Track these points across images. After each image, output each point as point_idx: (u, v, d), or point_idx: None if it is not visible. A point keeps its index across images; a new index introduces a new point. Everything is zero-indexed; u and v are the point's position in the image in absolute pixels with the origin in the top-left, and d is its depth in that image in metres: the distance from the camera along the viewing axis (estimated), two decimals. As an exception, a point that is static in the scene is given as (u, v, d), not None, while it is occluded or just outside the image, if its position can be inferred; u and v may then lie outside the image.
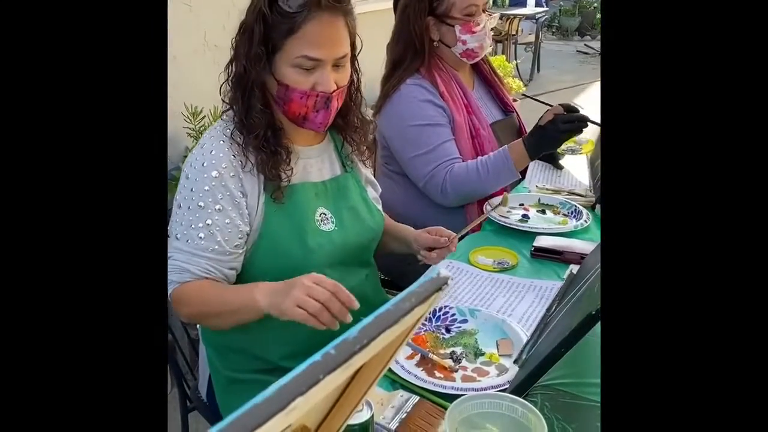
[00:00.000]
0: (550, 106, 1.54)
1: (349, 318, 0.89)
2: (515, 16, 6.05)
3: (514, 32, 6.09)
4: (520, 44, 6.45)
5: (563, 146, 1.81)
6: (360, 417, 0.74)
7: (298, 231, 1.07)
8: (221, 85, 1.10)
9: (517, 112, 1.82)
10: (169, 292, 1.04)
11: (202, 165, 1.03)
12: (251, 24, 1.01)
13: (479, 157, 1.55)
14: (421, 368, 1.00)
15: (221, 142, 1.05)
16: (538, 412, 0.74)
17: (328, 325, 0.89)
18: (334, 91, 1.04)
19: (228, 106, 1.08)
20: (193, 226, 1.03)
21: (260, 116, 1.04)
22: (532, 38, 6.43)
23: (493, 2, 6.52)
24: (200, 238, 1.03)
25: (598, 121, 1.49)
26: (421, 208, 1.61)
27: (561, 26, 9.34)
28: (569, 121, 1.45)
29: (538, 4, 6.33)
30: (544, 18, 6.76)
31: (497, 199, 1.60)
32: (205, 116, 2.34)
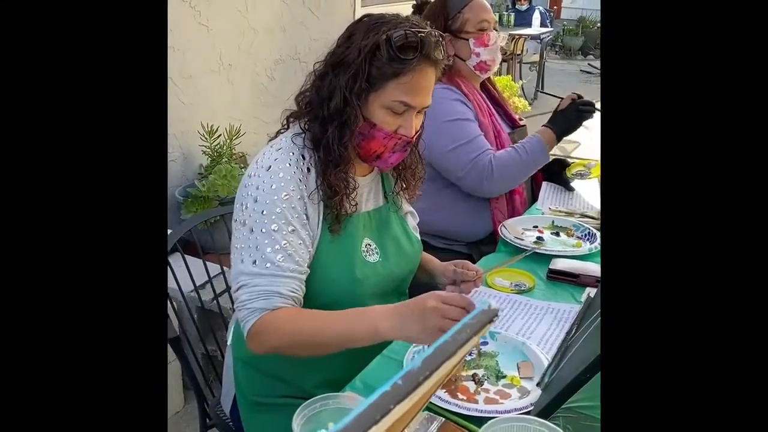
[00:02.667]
0: (561, 98, 1.73)
1: None
2: (520, 36, 6.13)
3: (519, 52, 6.15)
4: (524, 63, 6.52)
5: (572, 171, 1.85)
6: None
7: (347, 261, 1.09)
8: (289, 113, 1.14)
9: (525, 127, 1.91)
10: (250, 323, 1.00)
11: (272, 188, 1.03)
12: (357, 60, 1.03)
13: (514, 145, 1.69)
14: (444, 390, 1.02)
15: (288, 165, 1.05)
16: (565, 435, 0.76)
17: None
18: (413, 136, 1.08)
19: (303, 131, 1.09)
20: (269, 249, 1.02)
21: (344, 150, 1.06)
22: (536, 58, 6.49)
23: (499, 22, 6.59)
24: (280, 260, 1.02)
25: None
26: (442, 216, 1.70)
27: (564, 46, 9.42)
28: (585, 104, 1.66)
29: (542, 24, 6.40)
30: (548, 38, 6.83)
31: (512, 222, 1.63)
32: (220, 135, 2.37)
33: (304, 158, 1.07)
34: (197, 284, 1.59)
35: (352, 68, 1.03)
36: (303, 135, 1.09)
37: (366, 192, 1.17)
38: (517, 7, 6.70)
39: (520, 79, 6.15)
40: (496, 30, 1.73)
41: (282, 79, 2.88)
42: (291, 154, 1.06)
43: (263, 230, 1.02)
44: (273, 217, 1.02)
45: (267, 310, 1.00)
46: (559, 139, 1.67)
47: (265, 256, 1.02)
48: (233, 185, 2.21)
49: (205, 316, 1.80)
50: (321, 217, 1.08)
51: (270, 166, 1.05)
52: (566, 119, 1.67)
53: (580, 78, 7.97)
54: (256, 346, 1.02)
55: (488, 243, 1.70)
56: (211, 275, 1.65)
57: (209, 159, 2.37)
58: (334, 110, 1.05)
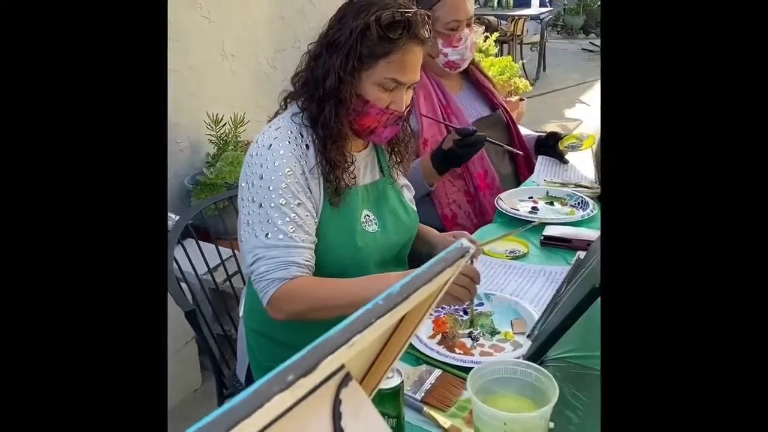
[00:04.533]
0: (452, 127, 1.59)
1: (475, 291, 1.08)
2: (520, 16, 6.14)
3: (519, 33, 6.17)
4: (525, 44, 6.53)
5: (565, 143, 1.89)
6: (391, 383, 0.84)
7: (349, 231, 1.16)
8: (288, 93, 1.20)
9: (504, 108, 1.88)
10: (270, 292, 1.07)
11: (275, 164, 1.10)
12: (348, 41, 1.09)
13: None
14: (442, 346, 1.09)
15: (288, 142, 1.12)
16: (550, 375, 0.82)
17: (464, 301, 1.08)
18: (404, 110, 1.15)
19: (301, 110, 1.15)
20: (280, 221, 1.08)
21: (339, 124, 1.13)
22: (537, 38, 6.50)
23: (498, 3, 6.60)
24: (291, 231, 1.08)
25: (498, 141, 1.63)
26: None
27: (566, 25, 9.40)
28: (464, 145, 1.51)
29: (542, 5, 6.40)
30: (548, 18, 6.84)
31: (507, 194, 1.69)
32: (225, 123, 2.44)
33: (302, 136, 1.14)
34: (210, 267, 1.67)
35: (344, 48, 1.10)
36: (301, 114, 1.15)
37: (362, 166, 1.24)
38: (516, -13, 6.70)
39: (521, 59, 6.18)
40: (470, 26, 1.69)
41: (283, 67, 2.94)
42: (290, 132, 1.13)
43: (272, 204, 1.08)
44: (279, 192, 1.08)
45: (286, 279, 1.06)
46: (440, 173, 1.58)
47: (277, 228, 1.08)
48: (239, 171, 2.28)
49: (219, 297, 1.89)
50: (322, 191, 1.15)
51: (271, 145, 1.11)
52: (447, 158, 1.55)
53: (582, 56, 7.97)
54: (277, 313, 1.08)
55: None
56: (223, 258, 1.73)
57: (215, 147, 2.44)
58: (330, 89, 1.11)
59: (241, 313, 1.32)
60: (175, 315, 1.97)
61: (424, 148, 1.66)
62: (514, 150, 1.75)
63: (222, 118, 2.43)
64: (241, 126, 2.46)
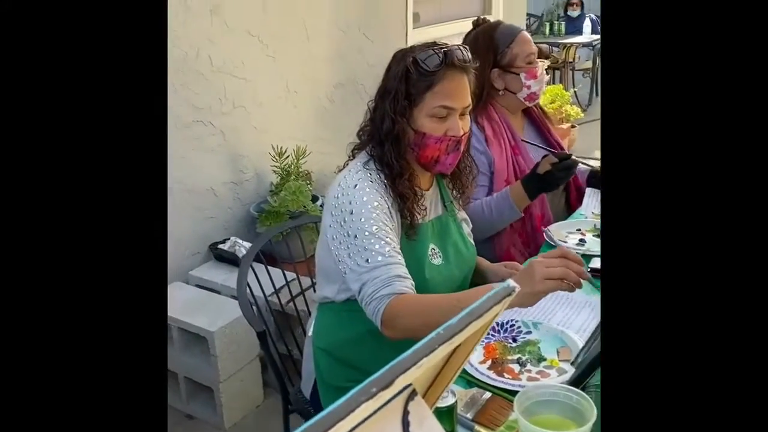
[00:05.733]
0: (550, 151, 1.68)
1: (587, 274, 1.07)
2: (571, 44, 6.19)
3: (571, 59, 6.22)
4: (577, 70, 6.57)
5: None
6: (446, 401, 0.94)
7: (418, 264, 1.26)
8: (355, 145, 1.33)
9: (563, 148, 1.95)
10: (381, 310, 1.11)
11: (363, 200, 1.20)
12: (394, 85, 1.23)
13: (486, 197, 1.71)
14: (492, 371, 1.19)
15: (370, 182, 1.24)
16: (589, 398, 0.91)
17: (576, 285, 1.06)
18: (462, 135, 1.26)
19: (370, 157, 1.28)
20: (377, 246, 1.16)
21: (404, 162, 1.25)
22: (589, 64, 6.53)
23: (549, 31, 6.66)
24: (388, 252, 1.16)
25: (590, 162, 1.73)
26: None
27: (619, 49, 9.35)
28: (562, 169, 1.58)
29: (594, 31, 6.43)
30: (599, 44, 6.84)
31: (555, 226, 1.77)
32: (288, 155, 2.61)
33: (378, 177, 1.26)
34: (275, 290, 1.81)
35: (392, 92, 1.24)
36: (371, 160, 1.29)
37: (429, 203, 1.35)
38: (568, 13, 6.74)
39: (573, 86, 6.21)
40: (540, 60, 1.82)
41: (341, 102, 3.11)
42: (368, 174, 1.26)
43: (366, 233, 1.17)
44: (371, 221, 1.18)
45: (393, 295, 1.11)
46: (531, 198, 1.64)
47: (375, 251, 1.16)
48: (301, 200, 2.44)
49: (282, 318, 2.03)
50: (399, 226, 1.26)
51: (356, 185, 1.23)
52: (542, 183, 1.62)
53: (636, 81, 7.90)
54: (391, 331, 1.12)
55: None
56: (288, 281, 1.87)
57: (279, 177, 2.61)
58: (387, 131, 1.25)
59: (309, 333, 1.44)
60: (240, 336, 2.13)
61: (500, 179, 1.74)
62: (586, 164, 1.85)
63: (285, 150, 2.60)
64: (302, 158, 2.63)
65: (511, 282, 0.67)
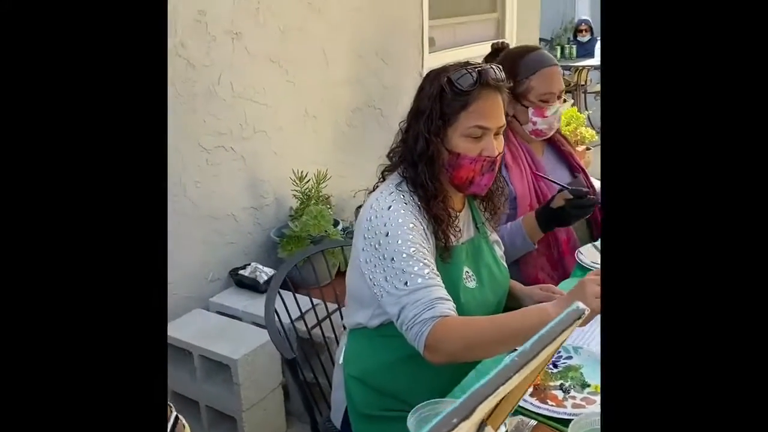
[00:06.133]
0: (565, 187, 1.60)
1: None
2: (584, 67, 6.21)
3: (583, 82, 6.23)
4: (589, 93, 6.58)
5: None
6: (499, 430, 0.91)
7: (454, 288, 1.22)
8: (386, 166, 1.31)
9: (585, 172, 1.91)
10: (425, 334, 1.07)
11: (399, 221, 1.17)
12: (428, 105, 1.21)
13: (503, 225, 1.62)
14: (535, 398, 1.15)
15: (404, 203, 1.21)
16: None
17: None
18: (497, 155, 1.24)
19: (403, 178, 1.25)
20: (416, 268, 1.12)
21: (438, 184, 1.23)
22: (599, 87, 6.55)
23: (561, 54, 6.70)
24: (427, 273, 1.13)
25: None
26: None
27: (629, 72, 9.38)
28: (576, 206, 1.53)
29: (605, 54, 6.47)
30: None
31: (587, 248, 1.74)
32: (309, 179, 2.60)
33: (412, 199, 1.24)
34: (302, 313, 1.78)
35: (426, 112, 1.22)
36: (403, 182, 1.26)
37: (461, 225, 1.33)
38: (578, 38, 6.79)
39: (586, 109, 6.21)
40: (560, 98, 1.74)
41: (360, 125, 3.11)
42: (402, 196, 1.23)
43: (404, 255, 1.14)
44: (408, 243, 1.15)
45: (437, 318, 1.07)
46: (544, 231, 1.60)
47: (414, 273, 1.12)
48: (322, 224, 2.42)
49: (308, 344, 1.99)
50: (433, 248, 1.23)
51: (390, 206, 1.20)
52: (554, 218, 1.57)
53: (647, 103, 7.90)
54: (434, 355, 1.08)
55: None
56: (314, 305, 1.84)
57: (299, 202, 2.60)
58: (420, 152, 1.23)
59: (340, 361, 1.41)
60: (263, 364, 2.09)
61: (523, 204, 1.70)
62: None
63: (307, 175, 2.59)
64: (323, 182, 2.61)
65: (580, 304, 0.64)
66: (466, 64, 1.24)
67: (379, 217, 1.20)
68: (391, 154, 1.33)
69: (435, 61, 3.62)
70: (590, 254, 1.70)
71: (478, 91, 1.20)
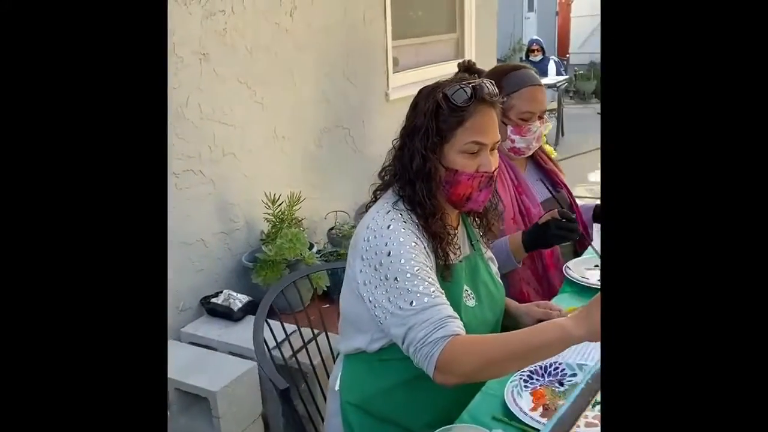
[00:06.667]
0: (560, 205, 1.61)
1: None
2: (538, 85, 6.35)
3: (538, 101, 6.37)
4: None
5: None
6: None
7: (456, 307, 1.18)
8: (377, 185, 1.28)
9: (567, 188, 1.92)
10: (435, 355, 1.03)
11: (401, 240, 1.14)
12: (424, 122, 1.19)
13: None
14: (546, 418, 1.12)
15: (403, 222, 1.18)
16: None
17: None
18: (494, 170, 1.22)
19: (399, 197, 1.22)
20: (421, 287, 1.09)
21: (436, 201, 1.21)
22: (554, 105, 6.71)
23: (514, 74, 6.84)
24: (433, 292, 1.10)
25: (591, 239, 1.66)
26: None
27: (578, 90, 9.67)
28: (561, 228, 1.52)
29: (558, 73, 6.64)
30: (563, 85, 7.07)
31: (574, 263, 1.74)
32: (282, 202, 2.54)
33: (410, 218, 1.20)
34: (277, 344, 1.71)
35: (422, 129, 1.19)
36: (400, 200, 1.23)
37: (459, 242, 1.30)
38: (531, 58, 6.96)
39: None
40: (542, 118, 1.73)
41: (328, 146, 3.07)
42: (400, 215, 1.20)
43: (408, 275, 1.10)
44: (412, 262, 1.12)
45: (448, 337, 1.04)
46: (527, 250, 1.59)
47: (420, 293, 1.09)
48: (298, 248, 2.36)
49: (284, 372, 1.91)
50: (434, 266, 1.20)
51: (389, 225, 1.16)
52: (538, 236, 1.57)
53: (597, 120, 8.15)
54: (445, 377, 1.04)
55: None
56: (289, 334, 1.76)
57: (270, 225, 2.53)
58: (417, 169, 1.20)
59: (336, 388, 1.35)
60: (242, 395, 2.00)
61: (507, 218, 1.68)
62: (588, 241, 1.78)
63: (279, 197, 2.52)
64: (296, 204, 2.56)
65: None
66: (459, 79, 1.23)
67: (378, 237, 1.16)
68: (383, 173, 1.29)
69: (400, 80, 3.63)
70: (577, 269, 1.70)
71: (474, 106, 1.19)
